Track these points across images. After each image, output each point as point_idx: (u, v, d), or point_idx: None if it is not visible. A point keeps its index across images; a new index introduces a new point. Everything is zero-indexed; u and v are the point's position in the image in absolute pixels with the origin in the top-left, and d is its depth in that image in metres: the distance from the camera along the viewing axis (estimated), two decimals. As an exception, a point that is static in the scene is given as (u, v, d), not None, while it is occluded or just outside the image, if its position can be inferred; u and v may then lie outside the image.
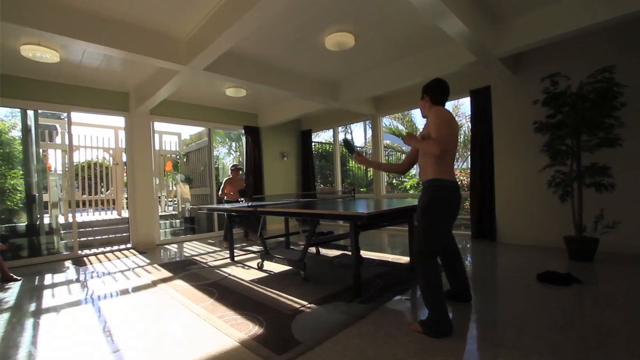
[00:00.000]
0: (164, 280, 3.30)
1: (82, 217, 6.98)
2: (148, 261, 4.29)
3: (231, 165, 6.08)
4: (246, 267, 3.73)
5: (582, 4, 2.93)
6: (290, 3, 2.83)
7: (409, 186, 7.68)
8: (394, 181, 8.41)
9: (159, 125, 6.51)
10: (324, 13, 3.17)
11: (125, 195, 7.69)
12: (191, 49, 3.47)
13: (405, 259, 3.68)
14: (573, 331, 1.88)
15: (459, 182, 4.10)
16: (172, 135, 8.86)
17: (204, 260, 4.16)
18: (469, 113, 5.20)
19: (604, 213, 3.36)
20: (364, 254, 4.08)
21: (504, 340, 1.80)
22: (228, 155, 13.23)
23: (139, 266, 4.01)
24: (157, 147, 7.81)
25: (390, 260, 3.77)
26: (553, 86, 3.45)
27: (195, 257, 4.40)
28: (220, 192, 5.59)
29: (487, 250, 4.13)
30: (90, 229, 6.21)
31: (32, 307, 2.69)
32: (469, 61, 3.72)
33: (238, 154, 10.95)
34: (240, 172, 5.94)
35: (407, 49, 4.12)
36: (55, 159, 7.14)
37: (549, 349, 1.69)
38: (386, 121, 9.55)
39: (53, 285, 3.32)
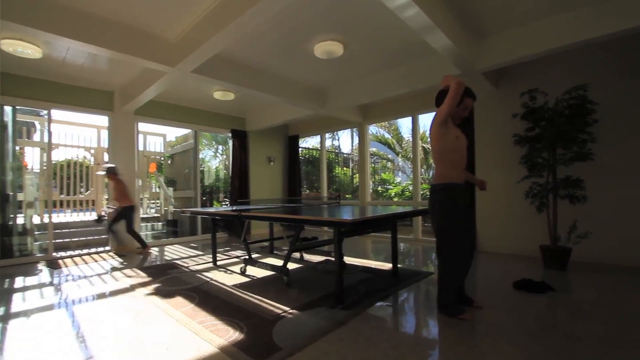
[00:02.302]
0: (143, 284, 3.22)
1: (59, 217, 6.75)
2: (127, 264, 4.18)
3: (103, 167, 5.11)
4: (229, 271, 3.69)
5: (559, 24, 3.09)
6: (281, 10, 2.88)
7: (393, 194, 7.78)
8: (379, 189, 8.52)
9: (143, 126, 6.41)
10: (314, 22, 3.22)
11: (106, 196, 7.48)
12: (180, 51, 3.45)
13: (388, 266, 3.72)
14: (546, 337, 1.95)
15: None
16: (157, 137, 8.72)
17: (186, 265, 4.09)
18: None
19: (577, 224, 3.50)
20: (348, 260, 4.11)
21: (480, 346, 1.85)
22: (214, 158, 13.10)
23: (117, 270, 3.90)
24: (141, 148, 7.67)
25: (373, 266, 3.80)
26: (532, 101, 3.60)
27: (176, 261, 4.32)
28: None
29: (468, 258, 4.22)
30: (67, 230, 6.00)
31: (0, 311, 2.58)
32: (454, 74, 3.84)
33: (224, 157, 10.85)
34: (116, 175, 4.88)
35: (395, 60, 4.22)
36: (32, 157, 6.91)
37: (523, 354, 1.75)
38: (373, 129, 9.69)
39: (24, 289, 3.19)
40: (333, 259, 3.31)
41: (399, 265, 3.50)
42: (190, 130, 7.03)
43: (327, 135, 7.52)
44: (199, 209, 4.75)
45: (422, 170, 8.56)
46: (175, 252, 5.10)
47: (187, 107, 6.21)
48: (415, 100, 5.41)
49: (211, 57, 3.41)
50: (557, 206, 3.50)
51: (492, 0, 2.92)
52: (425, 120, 11.97)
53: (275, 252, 4.75)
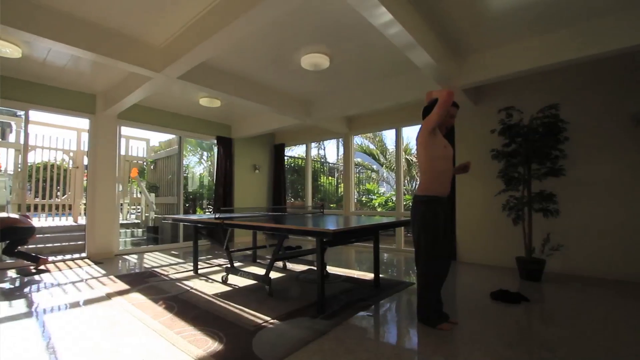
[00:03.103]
0: (120, 293, 3.13)
1: (34, 222, 6.47)
2: (104, 272, 4.05)
3: None
4: (210, 280, 3.64)
5: (534, 47, 3.27)
6: (268, 23, 2.94)
7: (377, 204, 7.88)
8: (363, 199, 8.61)
9: (126, 130, 6.29)
10: (301, 34, 3.29)
11: (84, 201, 7.25)
12: (166, 57, 3.44)
13: (370, 276, 3.75)
14: (520, 347, 2.02)
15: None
16: (140, 141, 8.56)
17: (166, 273, 4.00)
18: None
19: (550, 236, 3.65)
20: (331, 269, 4.12)
21: (457, 357, 1.89)
22: (199, 165, 12.93)
23: (93, 277, 3.78)
24: (122, 152, 7.50)
25: (355, 276, 3.83)
26: (508, 118, 3.76)
27: (156, 269, 4.22)
28: None
29: (448, 268, 4.31)
30: (42, 235, 5.77)
31: (-34, 320, 2.45)
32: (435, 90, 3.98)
33: (209, 163, 10.74)
34: None
35: (380, 73, 4.34)
36: (7, 159, 6.65)
37: (496, 364, 1.80)
38: (358, 140, 9.83)
39: (-8, 297, 3.04)
40: (316, 268, 3.33)
41: (381, 275, 3.54)
42: (174, 136, 6.95)
43: (313, 144, 7.58)
44: (181, 216, 4.68)
45: (406, 181, 8.73)
46: (155, 259, 4.99)
47: (172, 113, 6.16)
48: (399, 113, 5.55)
49: (198, 64, 3.42)
50: (531, 219, 3.64)
51: (471, 22, 3.07)
52: (409, 132, 12.23)
53: (258, 260, 4.71)
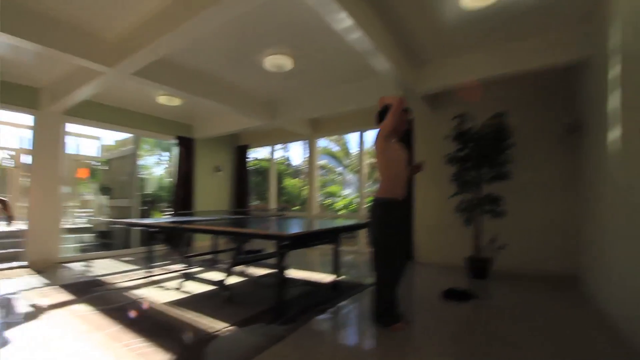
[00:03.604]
0: (63, 304, 2.89)
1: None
2: (46, 282, 3.72)
3: None
4: (165, 288, 3.47)
5: (483, 59, 3.52)
6: (230, 22, 2.88)
7: (340, 206, 7.99)
8: (327, 201, 8.69)
9: (78, 128, 5.84)
10: (265, 34, 3.26)
11: (26, 204, 6.63)
12: (120, 51, 3.25)
13: (331, 278, 3.78)
14: (469, 341, 2.13)
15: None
16: (95, 140, 8.01)
17: (116, 281, 3.76)
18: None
19: (497, 236, 3.91)
20: (292, 273, 4.10)
21: (410, 355, 1.96)
22: (158, 165, 12.33)
23: (33, 288, 3.45)
24: (70, 151, 6.96)
25: (316, 279, 3.84)
26: (461, 124, 3.98)
27: (105, 277, 3.95)
28: None
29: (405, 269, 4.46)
30: (-29, 243, 5.18)
31: None
32: (395, 95, 4.11)
33: (169, 164, 10.28)
34: None
35: (344, 77, 4.41)
36: None
37: (449, 359, 1.89)
38: (323, 142, 9.90)
39: None
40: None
41: (341, 278, 3.58)
42: (130, 135, 6.57)
43: (278, 146, 7.52)
44: (134, 220, 4.41)
45: (369, 183, 8.92)
46: (105, 266, 4.67)
47: (128, 110, 5.82)
48: (363, 117, 5.66)
49: (155, 60, 3.27)
50: (481, 220, 3.88)
51: (429, 33, 3.23)
52: (372, 135, 12.48)
53: (218, 265, 4.57)
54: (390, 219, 2.36)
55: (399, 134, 2.51)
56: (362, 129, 5.89)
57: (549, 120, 3.99)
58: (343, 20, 2.48)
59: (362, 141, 6.03)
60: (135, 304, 2.88)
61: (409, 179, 2.52)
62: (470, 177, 3.96)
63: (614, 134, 2.43)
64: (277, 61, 3.69)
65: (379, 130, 2.42)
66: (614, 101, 2.44)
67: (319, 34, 3.22)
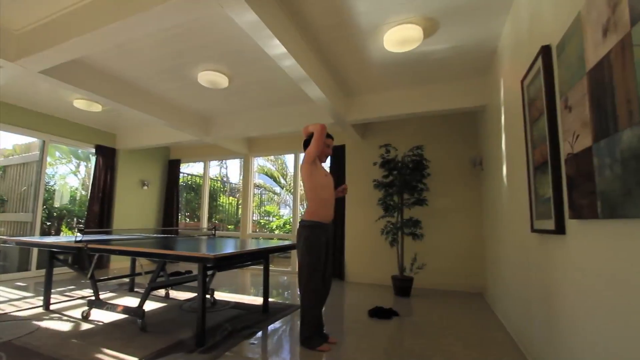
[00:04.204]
0: None
1: None
2: None
3: None
4: (66, 317, 3.04)
5: (404, 97, 3.96)
6: (161, 30, 2.79)
7: (274, 226, 7.93)
8: (262, 220, 8.57)
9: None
10: (198, 49, 3.21)
11: None
12: (24, 46, 2.88)
13: (261, 300, 3.71)
14: (391, 358, 2.25)
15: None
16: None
17: (3, 311, 3.17)
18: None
19: (417, 257, 4.28)
20: (221, 295, 3.93)
21: (327, 375, 2.01)
22: (72, 175, 10.87)
23: None
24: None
25: (245, 302, 3.73)
26: (387, 153, 4.36)
27: (-14, 308, 3.31)
28: None
29: (335, 288, 4.56)
30: None
31: None
32: (329, 122, 4.36)
33: (85, 176, 9.16)
34: None
35: (280, 100, 4.52)
36: None
37: (360, 377, 1.98)
38: (260, 161, 9.84)
39: None
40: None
41: (271, 299, 3.53)
42: (35, 139, 5.75)
43: (214, 162, 7.26)
44: (30, 239, 3.79)
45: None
46: (-13, 295, 3.91)
47: (35, 112, 5.13)
48: (298, 139, 5.81)
49: (71, 60, 2.99)
50: (403, 242, 4.22)
51: (357, 68, 3.53)
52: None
53: (136, 289, 4.16)
54: (314, 241, 2.43)
55: (324, 158, 2.66)
56: (297, 150, 6.03)
57: (459, 154, 4.59)
58: (276, 47, 2.58)
59: (298, 163, 6.16)
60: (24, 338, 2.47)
61: (334, 202, 2.65)
62: (394, 202, 4.30)
63: (502, 169, 2.91)
64: (211, 77, 3.64)
65: (305, 156, 2.54)
66: (500, 143, 2.93)
67: (257, 55, 3.28)
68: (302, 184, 2.57)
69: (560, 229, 1.57)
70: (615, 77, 1.05)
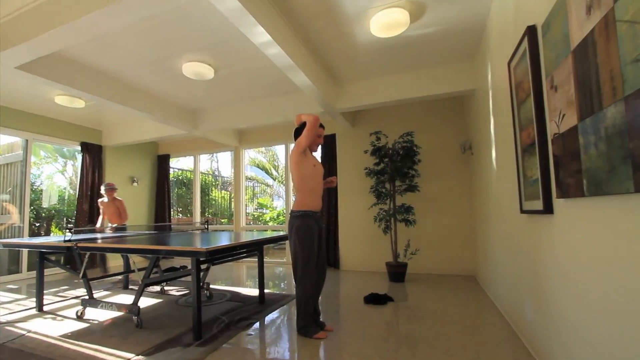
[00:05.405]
0: None
1: None
2: None
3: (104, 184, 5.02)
4: (60, 318, 3.01)
5: (393, 83, 3.92)
6: (142, 20, 2.70)
7: (268, 218, 7.92)
8: (256, 213, 8.55)
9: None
10: (182, 40, 3.12)
11: None
12: (-1, 40, 2.78)
13: (256, 292, 3.72)
14: (386, 342, 2.29)
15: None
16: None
17: (-8, 315, 3.13)
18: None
19: (410, 243, 4.32)
20: (218, 288, 3.93)
21: (324, 361, 2.04)
22: (61, 173, 10.64)
23: None
24: None
25: (242, 294, 3.74)
26: (377, 140, 4.35)
27: (-24, 312, 3.25)
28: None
29: (330, 277, 4.61)
30: None
31: None
32: (319, 111, 4.32)
33: (72, 174, 8.98)
34: (114, 192, 4.98)
35: (269, 90, 4.45)
36: None
37: (357, 362, 2.01)
38: (252, 154, 9.75)
39: None
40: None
41: (267, 290, 3.54)
42: (18, 139, 5.60)
43: (204, 156, 7.17)
44: (17, 240, 3.73)
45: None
46: (-23, 299, 3.84)
47: (15, 110, 4.97)
48: (289, 130, 5.73)
49: (49, 54, 2.88)
50: (396, 228, 4.25)
51: (345, 55, 3.48)
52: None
53: (131, 287, 4.14)
54: (306, 230, 2.43)
55: (315, 147, 2.65)
56: (288, 141, 5.99)
57: (449, 139, 4.60)
58: (260, 35, 2.51)
59: (288, 154, 6.11)
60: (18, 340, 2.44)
61: (322, 192, 2.65)
62: (386, 189, 4.32)
63: (491, 153, 2.93)
64: (196, 69, 3.56)
65: (295, 146, 2.52)
66: (489, 127, 2.94)
67: (242, 45, 3.21)
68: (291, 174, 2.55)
69: (548, 209, 1.59)
70: (599, 54, 1.05)
